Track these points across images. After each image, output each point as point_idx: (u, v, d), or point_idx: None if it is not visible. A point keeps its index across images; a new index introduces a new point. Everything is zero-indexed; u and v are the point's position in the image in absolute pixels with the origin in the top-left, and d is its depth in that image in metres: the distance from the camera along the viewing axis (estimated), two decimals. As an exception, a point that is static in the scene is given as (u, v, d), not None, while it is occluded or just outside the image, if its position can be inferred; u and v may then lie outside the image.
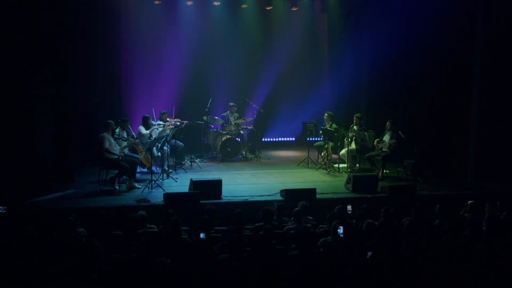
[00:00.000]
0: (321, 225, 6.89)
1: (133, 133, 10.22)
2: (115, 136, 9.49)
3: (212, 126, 12.27)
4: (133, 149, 9.83)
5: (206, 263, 4.74)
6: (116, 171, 9.16)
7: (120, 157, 9.17)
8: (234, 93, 13.21)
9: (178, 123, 11.08)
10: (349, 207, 7.24)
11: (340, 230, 5.68)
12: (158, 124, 10.90)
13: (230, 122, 12.29)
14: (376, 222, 6.14)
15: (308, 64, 14.02)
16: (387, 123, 10.51)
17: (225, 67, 13.37)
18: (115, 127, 9.44)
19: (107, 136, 9.15)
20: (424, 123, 11.83)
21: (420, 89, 11.88)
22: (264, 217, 6.74)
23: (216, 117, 12.25)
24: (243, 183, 9.93)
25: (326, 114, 11.49)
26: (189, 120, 11.50)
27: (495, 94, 10.25)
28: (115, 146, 9.29)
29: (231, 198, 8.71)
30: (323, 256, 5.19)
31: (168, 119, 11.04)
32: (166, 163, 10.44)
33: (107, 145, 9.04)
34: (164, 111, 11.21)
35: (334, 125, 11.30)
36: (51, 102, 9.22)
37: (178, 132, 10.51)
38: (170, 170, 10.50)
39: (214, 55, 13.23)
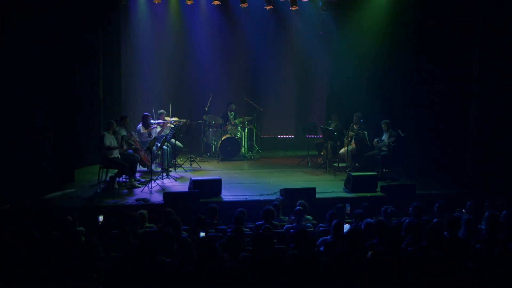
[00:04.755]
0: (321, 224, 6.91)
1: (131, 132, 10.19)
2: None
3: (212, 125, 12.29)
4: (133, 148, 9.83)
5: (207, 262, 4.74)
6: (116, 171, 9.17)
7: (122, 151, 9.17)
8: (234, 93, 13.21)
9: (174, 121, 11.01)
10: (347, 206, 7.26)
11: (345, 228, 5.70)
12: (158, 123, 10.90)
13: (230, 121, 12.30)
14: (375, 222, 6.14)
15: (308, 62, 13.99)
16: (382, 125, 10.56)
17: (225, 66, 13.38)
18: (116, 127, 9.44)
19: (108, 135, 9.16)
20: (424, 123, 11.82)
21: (420, 89, 11.87)
22: (265, 217, 6.75)
23: (216, 116, 12.27)
24: (243, 182, 9.94)
25: (334, 114, 11.59)
26: (187, 119, 11.42)
27: (495, 93, 10.25)
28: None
29: (230, 197, 8.72)
30: (322, 256, 5.19)
31: (166, 118, 11.00)
32: (166, 162, 10.44)
33: (107, 143, 9.06)
34: (161, 110, 11.17)
35: (333, 124, 11.34)
36: (51, 101, 9.21)
37: (178, 132, 10.50)
38: (170, 169, 10.51)
39: (214, 54, 13.21)
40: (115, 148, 9.14)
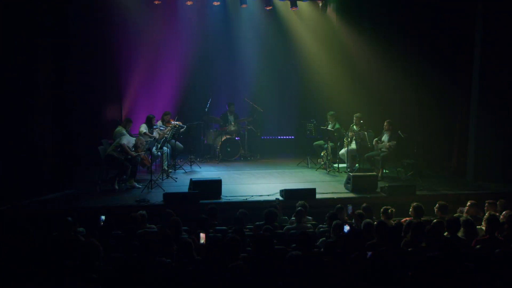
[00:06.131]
0: (321, 225, 6.91)
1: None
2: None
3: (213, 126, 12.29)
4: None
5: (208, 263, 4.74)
6: (116, 171, 9.17)
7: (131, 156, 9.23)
8: (234, 94, 13.21)
9: (176, 124, 10.98)
10: (349, 207, 7.26)
11: (345, 228, 5.70)
12: (161, 127, 10.83)
13: (230, 122, 12.30)
14: (375, 222, 6.15)
15: (308, 63, 13.97)
16: (385, 123, 10.56)
17: (225, 67, 13.37)
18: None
19: (127, 136, 9.26)
20: (424, 122, 11.83)
21: (419, 88, 11.87)
22: (267, 218, 6.73)
23: (216, 117, 12.25)
24: (242, 183, 9.93)
25: (330, 113, 11.51)
26: (187, 125, 11.32)
27: (495, 93, 10.25)
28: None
29: (230, 198, 8.72)
30: (323, 256, 5.19)
31: (171, 120, 10.95)
32: (166, 163, 10.43)
33: (125, 142, 9.08)
34: (167, 111, 11.11)
35: (337, 125, 11.33)
36: (50, 102, 9.20)
37: (178, 132, 10.49)
38: (170, 170, 10.50)
39: (214, 55, 13.21)
40: (127, 152, 9.14)
